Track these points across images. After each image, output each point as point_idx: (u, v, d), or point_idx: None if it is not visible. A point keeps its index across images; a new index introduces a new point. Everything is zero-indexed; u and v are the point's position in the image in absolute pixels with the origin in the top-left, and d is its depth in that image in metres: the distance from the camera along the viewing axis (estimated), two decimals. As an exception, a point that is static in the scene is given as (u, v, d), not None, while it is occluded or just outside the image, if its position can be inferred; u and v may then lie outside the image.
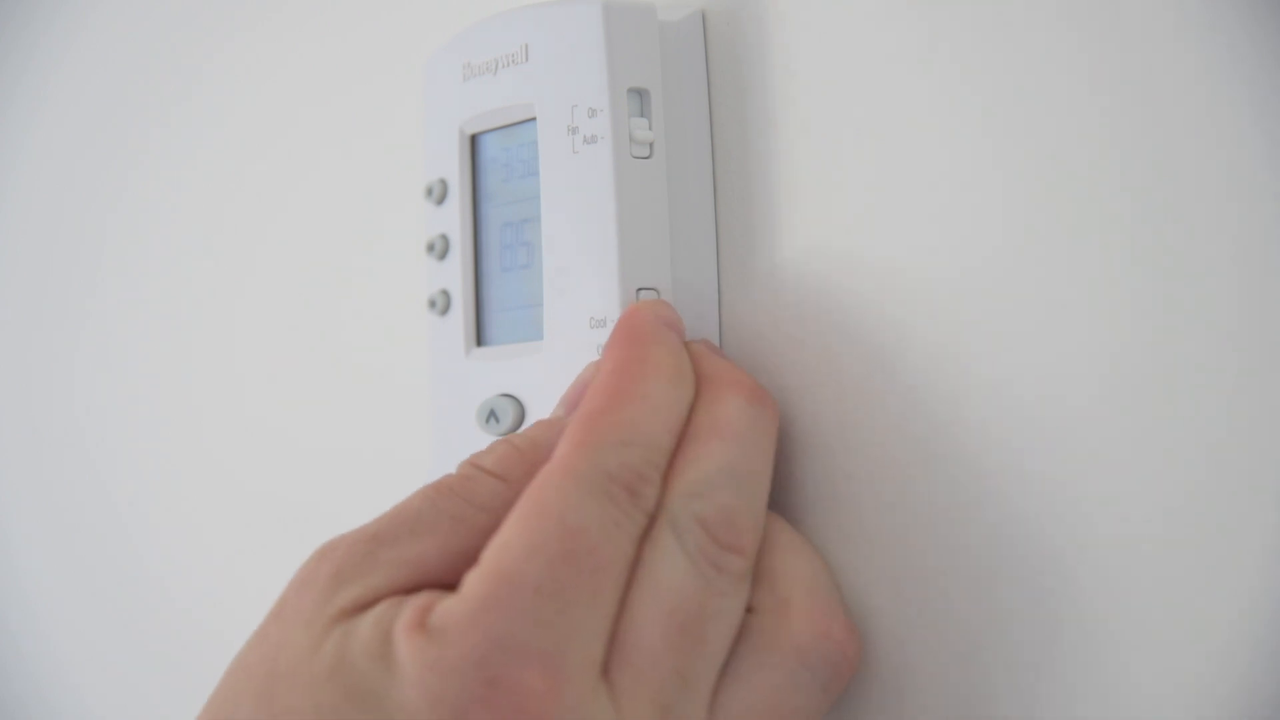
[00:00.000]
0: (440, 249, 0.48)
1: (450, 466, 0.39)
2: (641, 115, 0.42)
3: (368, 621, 0.33)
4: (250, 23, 0.59)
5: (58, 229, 0.59)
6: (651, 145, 0.42)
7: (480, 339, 0.47)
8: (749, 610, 0.37)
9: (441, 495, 0.36)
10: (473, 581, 0.33)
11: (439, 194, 0.48)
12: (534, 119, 0.44)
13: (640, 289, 0.42)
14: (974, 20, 0.37)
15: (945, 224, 0.38)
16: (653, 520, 0.36)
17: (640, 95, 0.42)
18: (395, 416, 0.54)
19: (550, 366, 0.44)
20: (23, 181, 0.60)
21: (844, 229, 0.41)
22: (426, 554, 0.35)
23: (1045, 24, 0.36)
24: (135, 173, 0.59)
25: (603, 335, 0.42)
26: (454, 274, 0.48)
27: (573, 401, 0.40)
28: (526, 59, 0.44)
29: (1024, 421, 0.36)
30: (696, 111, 0.44)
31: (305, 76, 0.58)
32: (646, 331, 0.39)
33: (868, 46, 0.40)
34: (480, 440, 0.44)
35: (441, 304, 0.48)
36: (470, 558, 0.34)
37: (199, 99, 0.59)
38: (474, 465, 0.37)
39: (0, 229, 0.61)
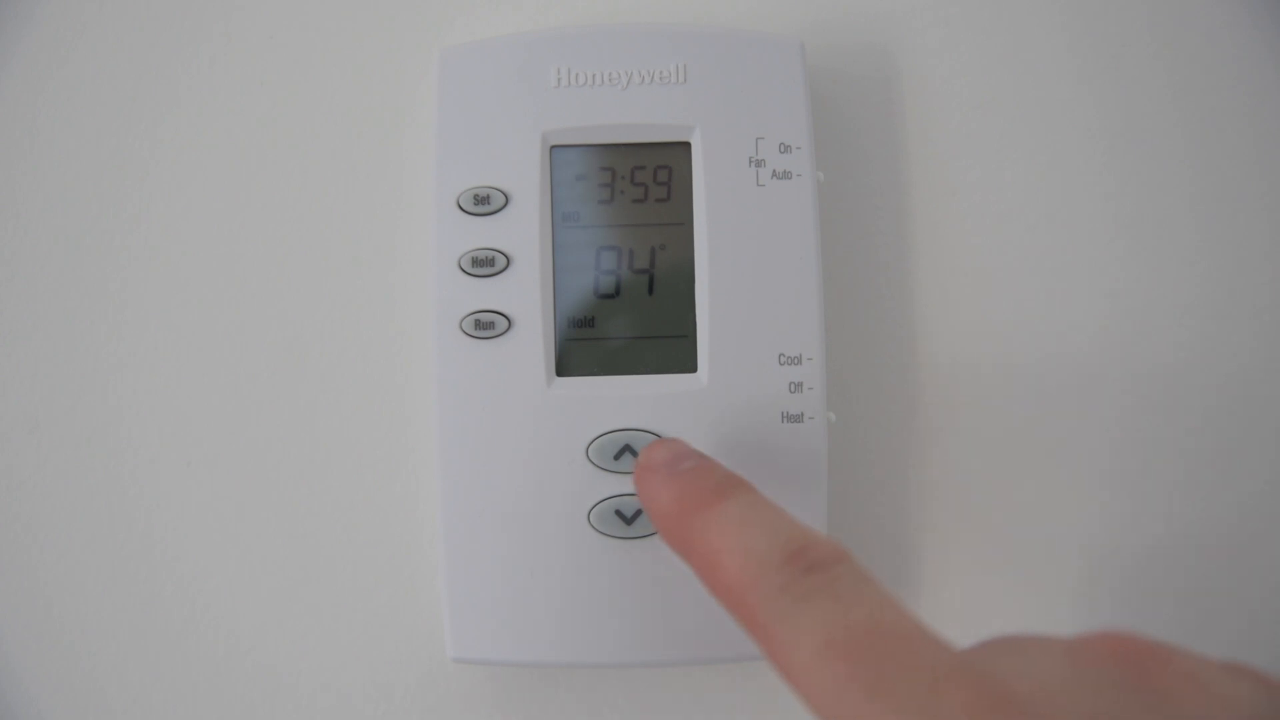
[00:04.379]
0: (491, 264, 0.43)
1: (537, 494, 0.41)
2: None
3: None
4: (248, 22, 0.48)
5: (65, 231, 0.46)
6: (820, 185, 0.44)
7: (560, 367, 0.43)
8: None
9: None
10: None
11: (495, 203, 0.43)
12: (686, 143, 0.43)
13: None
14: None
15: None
16: None
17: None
18: (397, 424, 0.46)
19: (711, 399, 0.42)
20: (25, 182, 0.46)
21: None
22: None
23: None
24: (135, 173, 0.47)
25: (796, 372, 0.42)
26: (514, 294, 0.43)
27: None
28: (684, 80, 0.43)
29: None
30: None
31: (304, 77, 0.47)
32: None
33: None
34: (586, 472, 0.41)
35: (498, 325, 0.43)
36: None
37: (200, 100, 0.47)
38: None
39: (2, 229, 0.47)
